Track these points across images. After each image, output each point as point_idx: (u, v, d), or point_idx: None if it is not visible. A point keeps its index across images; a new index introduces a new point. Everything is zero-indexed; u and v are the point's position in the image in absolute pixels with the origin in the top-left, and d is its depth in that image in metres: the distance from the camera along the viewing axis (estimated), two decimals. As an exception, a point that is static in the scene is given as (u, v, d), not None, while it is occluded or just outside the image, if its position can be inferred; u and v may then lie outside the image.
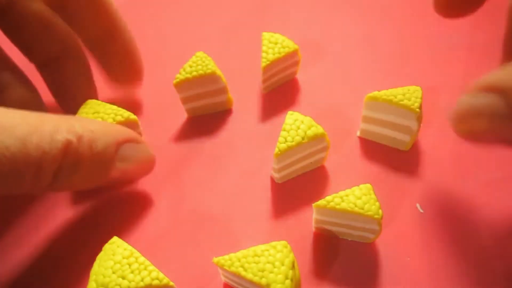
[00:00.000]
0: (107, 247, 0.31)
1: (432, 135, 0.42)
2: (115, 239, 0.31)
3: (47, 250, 0.36)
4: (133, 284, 0.28)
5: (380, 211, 0.33)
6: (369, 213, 0.32)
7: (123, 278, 0.28)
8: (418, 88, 0.39)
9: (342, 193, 0.33)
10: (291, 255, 0.30)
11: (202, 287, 0.34)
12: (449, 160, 0.40)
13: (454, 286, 0.33)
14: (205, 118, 0.45)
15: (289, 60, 0.46)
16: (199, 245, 0.36)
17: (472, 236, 0.35)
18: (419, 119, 0.38)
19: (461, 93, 0.24)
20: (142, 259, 0.29)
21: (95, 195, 0.39)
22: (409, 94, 0.38)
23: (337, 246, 0.35)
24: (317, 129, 0.37)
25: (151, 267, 0.29)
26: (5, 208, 0.39)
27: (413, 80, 0.48)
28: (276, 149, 0.36)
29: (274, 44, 0.44)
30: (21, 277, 0.34)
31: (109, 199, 0.39)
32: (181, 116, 0.45)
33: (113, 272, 0.28)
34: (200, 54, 0.43)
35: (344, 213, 0.33)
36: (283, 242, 0.30)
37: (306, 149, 0.37)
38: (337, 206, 0.33)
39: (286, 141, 0.36)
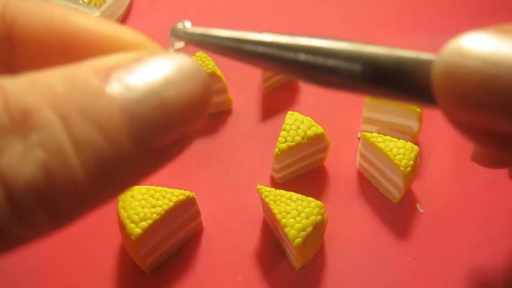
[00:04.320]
0: (121, 197, 0.33)
1: (432, 135, 0.42)
2: None
3: (46, 250, 0.36)
4: (165, 207, 0.31)
5: (408, 168, 0.34)
6: (397, 161, 0.34)
7: (154, 207, 0.31)
8: (418, 88, 0.39)
9: (388, 137, 0.36)
10: (320, 218, 0.32)
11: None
12: (449, 160, 0.40)
13: (454, 285, 0.33)
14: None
15: (289, 60, 0.46)
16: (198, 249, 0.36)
17: (471, 235, 0.35)
18: (420, 119, 0.38)
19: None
20: (159, 188, 0.33)
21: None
22: (409, 94, 0.38)
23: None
24: (317, 129, 0.37)
25: (171, 189, 0.33)
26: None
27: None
28: (276, 149, 0.36)
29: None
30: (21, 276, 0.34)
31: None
32: (181, 116, 0.45)
33: (142, 207, 0.31)
34: (200, 54, 0.43)
35: (379, 151, 0.35)
36: (320, 203, 0.32)
37: (306, 149, 0.37)
38: (377, 143, 0.35)
39: (286, 141, 0.36)
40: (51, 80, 0.11)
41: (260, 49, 0.14)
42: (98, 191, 0.11)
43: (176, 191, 0.33)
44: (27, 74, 0.11)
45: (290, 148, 0.36)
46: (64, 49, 0.13)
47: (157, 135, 0.11)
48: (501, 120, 0.10)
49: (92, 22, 0.14)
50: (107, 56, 0.12)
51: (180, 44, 0.15)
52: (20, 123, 0.10)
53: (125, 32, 0.14)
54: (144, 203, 0.32)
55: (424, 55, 0.13)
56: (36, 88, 0.11)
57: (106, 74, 0.11)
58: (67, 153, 0.10)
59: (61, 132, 0.10)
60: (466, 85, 0.11)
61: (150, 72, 0.12)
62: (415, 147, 0.35)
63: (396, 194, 0.37)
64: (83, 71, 0.11)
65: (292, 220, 0.31)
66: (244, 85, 0.47)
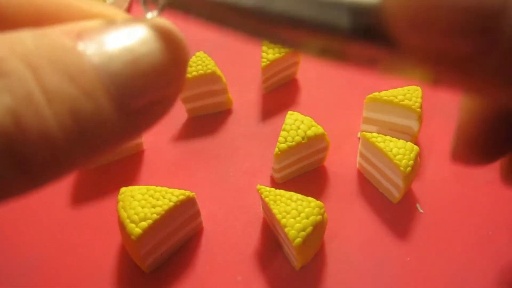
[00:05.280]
0: (121, 198, 0.32)
1: (432, 135, 0.42)
2: (123, 189, 0.33)
3: (47, 249, 0.36)
4: (165, 207, 0.31)
5: (408, 168, 0.34)
6: (397, 161, 0.34)
7: (154, 207, 0.31)
8: (418, 88, 0.39)
9: (388, 137, 0.35)
10: (320, 218, 0.32)
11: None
12: (449, 160, 0.40)
13: (454, 285, 0.33)
14: (205, 118, 0.45)
15: (289, 60, 0.46)
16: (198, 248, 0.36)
17: (471, 235, 0.35)
18: (420, 119, 0.38)
19: None
20: (159, 188, 0.33)
21: (93, 191, 0.39)
22: (410, 94, 0.38)
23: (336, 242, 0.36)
24: (317, 129, 0.37)
25: (171, 189, 0.33)
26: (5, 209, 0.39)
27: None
28: (276, 149, 0.36)
29: (273, 44, 0.44)
30: (20, 276, 0.34)
31: (106, 198, 0.39)
32: (181, 116, 0.45)
33: (142, 207, 0.31)
34: (200, 54, 0.43)
35: (379, 151, 0.35)
36: (320, 203, 0.32)
37: (306, 149, 0.37)
38: (377, 143, 0.35)
39: (286, 141, 0.36)
40: (21, 35, 0.10)
41: None
42: (75, 146, 0.10)
43: (176, 191, 0.33)
44: None
45: (290, 148, 0.36)
46: (42, 24, 0.13)
47: (134, 92, 0.11)
48: (455, 39, 0.10)
49: None
50: (80, 22, 0.12)
51: (153, 14, 0.14)
52: None
53: (104, 7, 0.13)
54: (144, 203, 0.31)
55: None
56: (3, 41, 0.10)
57: (78, 34, 0.11)
58: (37, 101, 0.10)
59: (30, 80, 0.10)
60: (418, 4, 0.10)
61: (123, 32, 0.11)
62: (415, 147, 0.35)
63: (396, 194, 0.37)
64: (53, 31, 0.11)
65: (292, 220, 0.31)
66: (244, 85, 0.47)
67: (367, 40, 0.11)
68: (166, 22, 0.12)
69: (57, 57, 0.10)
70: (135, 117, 0.11)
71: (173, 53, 0.12)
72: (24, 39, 0.10)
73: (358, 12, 0.11)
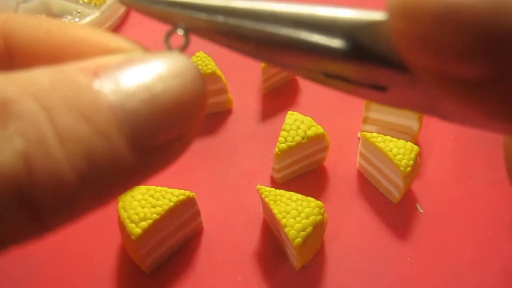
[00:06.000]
0: (121, 198, 0.32)
1: (432, 135, 0.42)
2: None
3: (46, 248, 0.36)
4: (165, 207, 0.31)
5: (408, 168, 0.34)
6: (397, 161, 0.34)
7: (154, 207, 0.31)
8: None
9: (388, 137, 0.35)
10: (320, 218, 0.32)
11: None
12: (449, 160, 0.40)
13: (454, 285, 0.33)
14: (205, 118, 0.45)
15: (289, 60, 0.46)
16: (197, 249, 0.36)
17: (471, 236, 0.35)
18: (420, 119, 0.38)
19: None
20: (159, 188, 0.33)
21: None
22: (409, 94, 0.38)
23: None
24: (317, 129, 0.37)
25: (171, 189, 0.33)
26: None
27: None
28: (276, 149, 0.36)
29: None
30: (21, 275, 0.34)
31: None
32: (181, 116, 0.45)
33: (142, 207, 0.31)
34: (200, 54, 0.43)
35: (379, 151, 0.35)
36: (320, 203, 0.32)
37: (306, 149, 0.37)
38: (377, 143, 0.35)
39: (286, 141, 0.36)
40: (35, 74, 0.10)
41: (203, 16, 0.12)
42: (88, 188, 0.10)
43: (176, 191, 0.33)
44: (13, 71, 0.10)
45: (290, 148, 0.36)
46: (60, 58, 0.13)
47: (151, 131, 0.11)
48: (462, 61, 0.09)
49: (86, 31, 0.13)
50: (97, 57, 0.12)
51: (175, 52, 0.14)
52: None
53: (119, 41, 0.13)
54: (144, 203, 0.31)
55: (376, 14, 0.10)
56: (18, 80, 0.10)
57: (95, 72, 0.11)
58: (49, 142, 0.09)
59: (42, 121, 0.10)
60: (423, 20, 0.09)
61: (140, 69, 0.11)
62: (415, 147, 0.35)
63: (396, 194, 0.37)
64: (70, 69, 0.11)
65: (292, 220, 0.31)
66: (244, 85, 0.47)
67: (364, 62, 0.11)
68: (184, 57, 0.12)
69: (72, 95, 0.10)
70: (151, 156, 0.11)
71: (192, 90, 0.11)
72: (39, 78, 0.10)
73: (353, 32, 0.11)
